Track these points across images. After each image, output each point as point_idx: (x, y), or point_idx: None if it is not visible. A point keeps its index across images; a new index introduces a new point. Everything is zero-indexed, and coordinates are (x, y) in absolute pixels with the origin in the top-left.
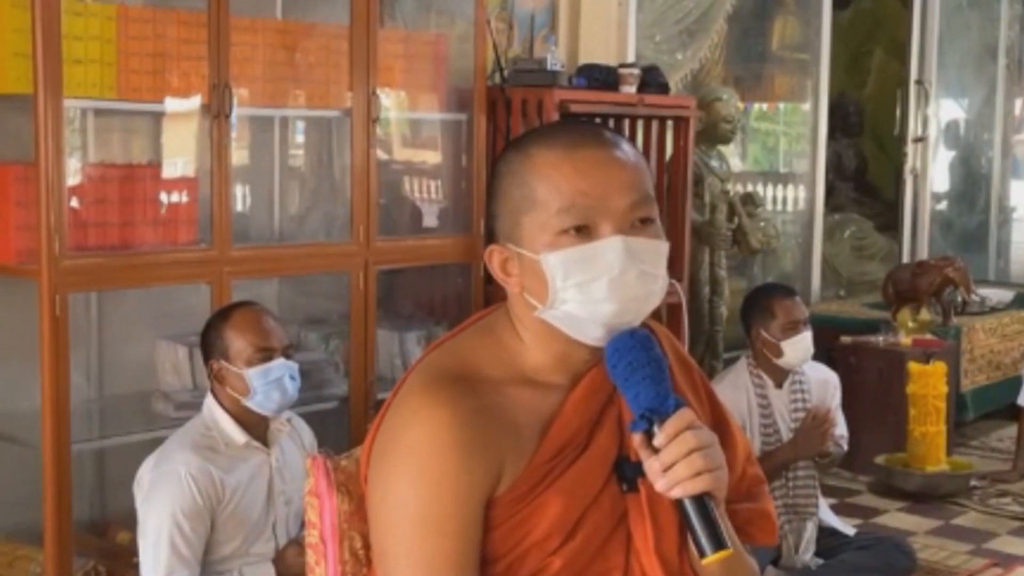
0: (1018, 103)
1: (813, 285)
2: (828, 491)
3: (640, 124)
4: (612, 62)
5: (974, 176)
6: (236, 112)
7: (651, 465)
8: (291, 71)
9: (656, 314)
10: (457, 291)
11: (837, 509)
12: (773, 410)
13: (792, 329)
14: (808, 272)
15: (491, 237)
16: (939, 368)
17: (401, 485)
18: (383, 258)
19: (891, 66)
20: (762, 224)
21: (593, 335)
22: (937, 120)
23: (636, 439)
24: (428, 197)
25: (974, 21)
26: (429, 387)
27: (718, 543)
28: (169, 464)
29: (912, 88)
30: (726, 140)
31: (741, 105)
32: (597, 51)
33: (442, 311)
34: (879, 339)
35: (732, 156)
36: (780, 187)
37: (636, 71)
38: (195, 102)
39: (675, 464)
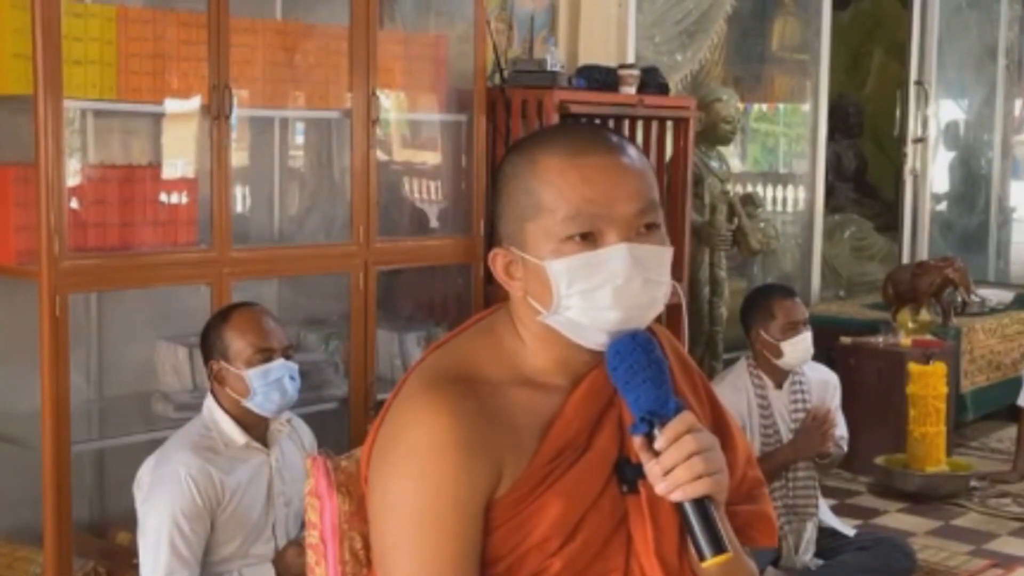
0: (1018, 104)
1: (813, 286)
2: (828, 492)
3: (640, 125)
4: (612, 63)
5: (974, 177)
6: (236, 113)
7: (652, 468)
8: (291, 72)
9: (656, 315)
10: (457, 292)
11: (837, 510)
12: (773, 411)
13: (792, 330)
14: (808, 273)
15: (494, 239)
16: (939, 369)
17: (401, 486)
18: (383, 259)
19: (891, 67)
20: (762, 225)
21: (596, 340)
22: (937, 121)
23: (637, 442)
24: (428, 198)
25: (974, 22)
26: (429, 388)
27: (718, 546)
28: (169, 465)
29: (912, 89)
30: (726, 141)
31: (741, 106)
32: (597, 52)
33: (442, 312)
34: (879, 340)
35: (732, 157)
36: (780, 188)
37: (636, 72)
38: (195, 103)
39: (676, 467)
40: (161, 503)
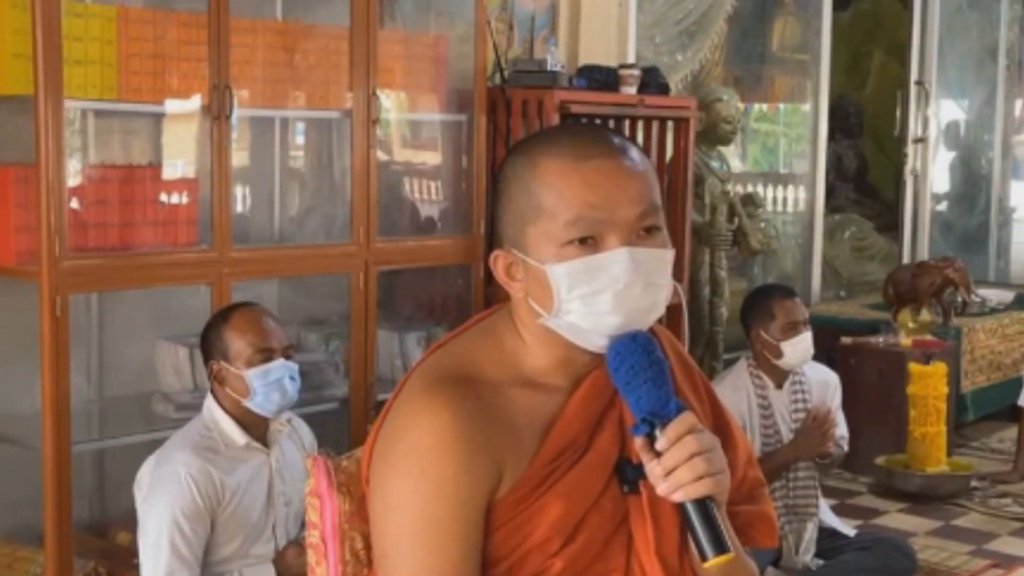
0: (1018, 104)
1: (813, 286)
2: (828, 492)
3: (640, 125)
4: (612, 63)
5: (974, 177)
6: (236, 113)
7: (653, 469)
8: (291, 72)
9: (656, 318)
10: (457, 292)
11: (837, 510)
12: (773, 411)
13: (792, 330)
14: (808, 273)
15: (494, 240)
16: (939, 369)
17: (402, 486)
18: (383, 259)
19: (891, 67)
20: (762, 225)
21: (596, 344)
22: (937, 121)
23: (638, 442)
24: (428, 198)
25: (974, 22)
26: (430, 389)
27: (719, 546)
28: (169, 465)
29: (912, 89)
30: (726, 141)
31: (741, 106)
32: (597, 52)
33: (442, 312)
34: (879, 340)
35: (732, 157)
36: (780, 188)
37: (636, 72)
38: (195, 103)
39: (677, 468)
40: (161, 503)
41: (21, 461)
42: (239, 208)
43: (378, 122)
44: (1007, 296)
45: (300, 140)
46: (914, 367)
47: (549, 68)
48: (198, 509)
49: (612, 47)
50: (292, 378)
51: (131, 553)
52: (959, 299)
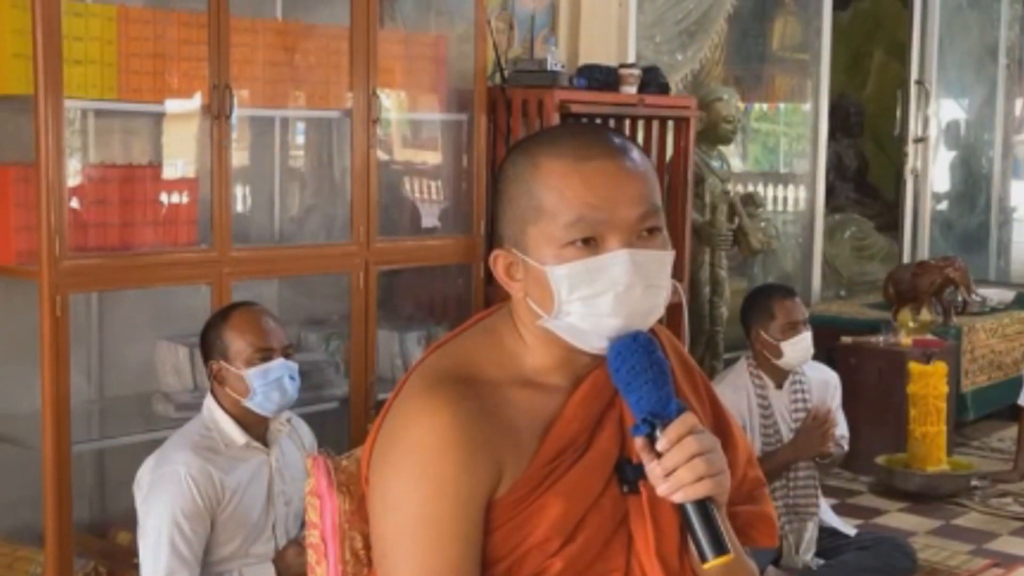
0: (1018, 103)
1: (813, 285)
2: (829, 491)
3: (640, 124)
4: (612, 62)
5: (974, 176)
6: (236, 113)
7: (653, 469)
8: (291, 72)
9: (656, 320)
10: (457, 292)
11: (838, 509)
12: (773, 411)
13: (792, 330)
14: (808, 272)
15: (494, 239)
16: (940, 368)
17: (402, 486)
18: (383, 259)
19: (891, 67)
20: (762, 224)
21: (596, 345)
22: (937, 120)
23: (638, 443)
24: (428, 198)
25: (974, 21)
26: (430, 388)
27: (719, 547)
28: (169, 465)
29: (912, 88)
30: (727, 140)
31: (741, 105)
32: (597, 51)
33: (442, 311)
34: (879, 339)
35: (733, 156)
36: (780, 187)
37: (636, 71)
38: (195, 103)
39: (677, 468)
40: (161, 503)
41: (21, 461)
42: (239, 208)
43: (378, 122)
44: (1007, 295)
45: (300, 140)
46: (914, 366)
47: (549, 68)
48: (198, 509)
49: (612, 47)
50: (292, 377)
51: (131, 553)
52: (959, 298)
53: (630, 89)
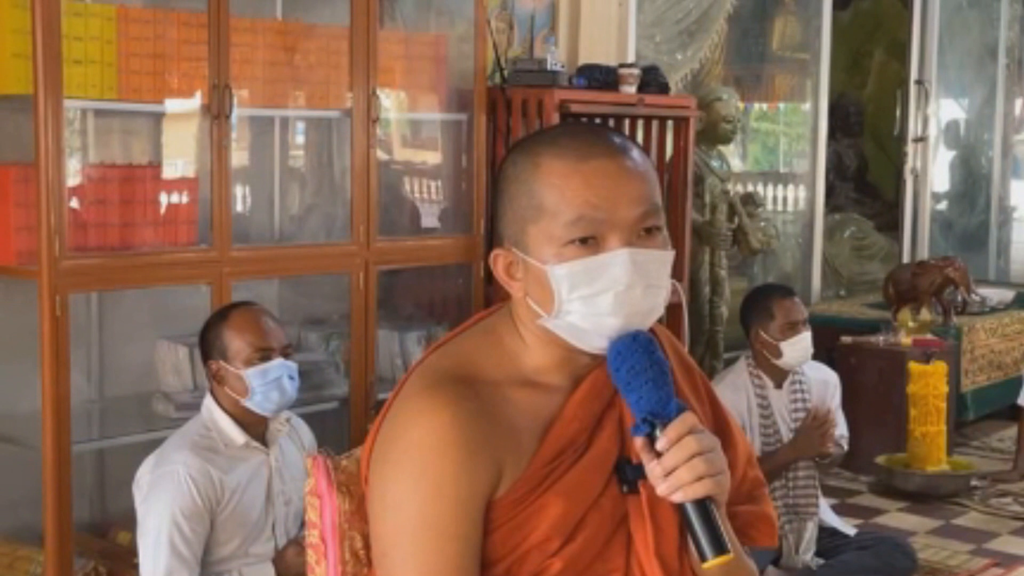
0: (1018, 103)
1: (813, 285)
2: (828, 491)
3: (640, 124)
4: (612, 62)
5: (974, 176)
6: (236, 113)
7: (653, 469)
8: (291, 72)
9: (656, 320)
10: (457, 291)
11: (838, 509)
12: (773, 411)
13: (791, 330)
14: (808, 272)
15: (494, 238)
16: (939, 368)
17: (402, 486)
18: (383, 258)
19: (891, 66)
20: (762, 224)
21: (596, 345)
22: (937, 120)
23: (638, 443)
24: (428, 197)
25: (974, 21)
26: (430, 388)
27: (719, 547)
28: (168, 465)
29: (912, 88)
30: (726, 140)
31: (741, 105)
32: (597, 51)
33: (442, 311)
34: (879, 339)
35: (732, 156)
36: (780, 187)
37: (636, 71)
38: (195, 103)
39: (677, 468)
40: (160, 503)
41: (21, 461)
42: (239, 208)
43: (378, 122)
44: (1007, 295)
45: (300, 140)
46: (914, 366)
47: (549, 67)
48: (197, 509)
49: (612, 46)
50: (291, 377)
51: (131, 553)
52: (959, 298)
53: (630, 89)
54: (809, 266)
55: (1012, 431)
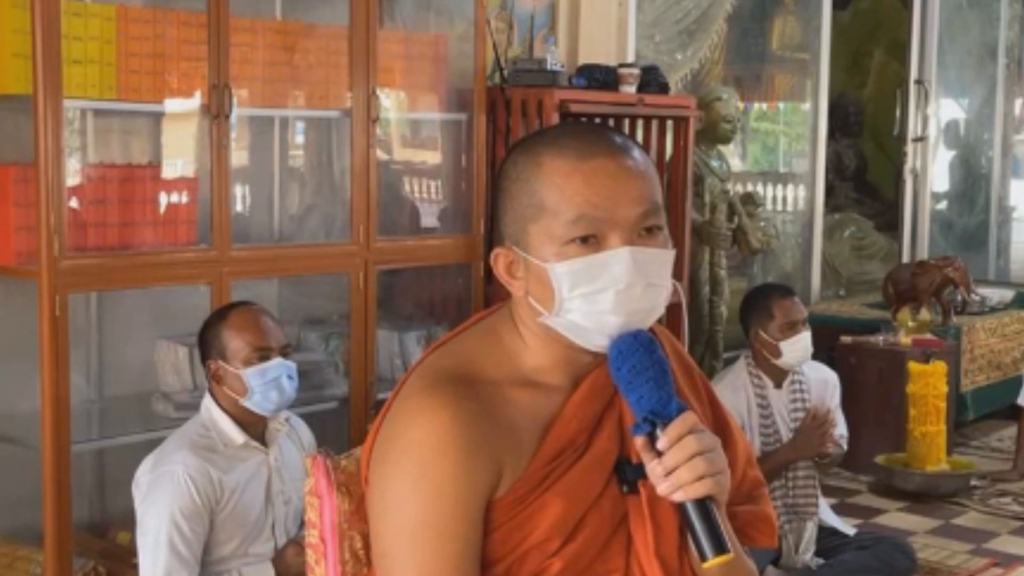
0: (1018, 103)
1: (813, 285)
2: (828, 491)
3: (640, 124)
4: (612, 62)
5: (974, 176)
6: (236, 112)
7: (654, 469)
8: (291, 71)
9: (656, 319)
10: (457, 291)
11: (837, 509)
12: (772, 410)
13: (791, 329)
14: (808, 272)
15: (495, 238)
16: (939, 368)
17: (401, 486)
18: (383, 258)
19: (891, 66)
20: (762, 224)
21: (597, 343)
22: (937, 120)
23: (639, 442)
24: (428, 197)
25: (974, 21)
26: (430, 388)
27: (719, 547)
28: (167, 464)
29: (912, 88)
30: (726, 140)
31: (741, 105)
32: (597, 51)
33: (442, 311)
34: (879, 339)
35: (732, 156)
36: (780, 187)
37: (636, 71)
38: (195, 103)
39: (678, 468)
40: (160, 503)
41: (21, 461)
42: (239, 208)
43: (378, 121)
44: (1007, 295)
45: (300, 140)
46: (914, 366)
47: (549, 67)
48: (197, 508)
49: (612, 46)
50: (290, 377)
51: (131, 553)
52: (959, 298)
53: (629, 89)
54: (809, 266)
55: (1012, 431)
